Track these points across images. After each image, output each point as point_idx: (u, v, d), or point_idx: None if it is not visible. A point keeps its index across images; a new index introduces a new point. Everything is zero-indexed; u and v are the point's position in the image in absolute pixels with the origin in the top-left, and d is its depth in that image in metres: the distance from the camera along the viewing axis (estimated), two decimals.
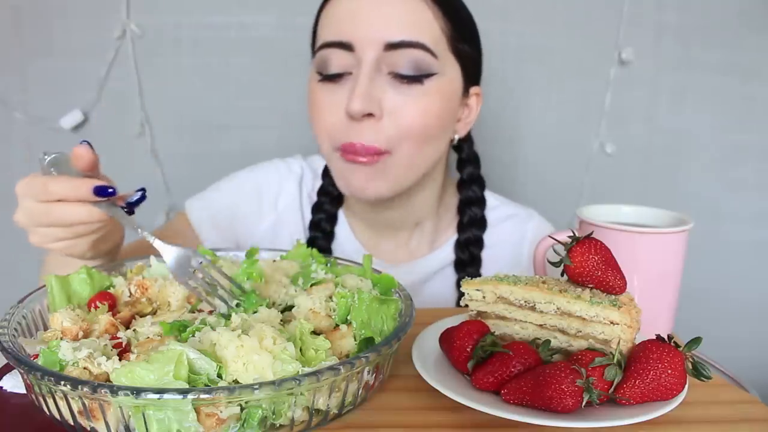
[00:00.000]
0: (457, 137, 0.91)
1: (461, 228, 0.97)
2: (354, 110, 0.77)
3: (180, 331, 0.53)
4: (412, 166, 0.84)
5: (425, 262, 0.98)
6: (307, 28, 0.88)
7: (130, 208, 0.64)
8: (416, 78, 0.79)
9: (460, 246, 0.97)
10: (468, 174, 0.97)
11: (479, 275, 0.95)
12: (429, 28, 0.79)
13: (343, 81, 0.81)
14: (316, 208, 0.99)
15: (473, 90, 0.89)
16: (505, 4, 1.27)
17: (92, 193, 0.61)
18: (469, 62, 0.86)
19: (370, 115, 0.79)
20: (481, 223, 0.97)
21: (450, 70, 0.83)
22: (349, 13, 0.79)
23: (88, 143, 0.64)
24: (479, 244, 0.97)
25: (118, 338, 0.53)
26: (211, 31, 1.27)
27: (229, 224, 0.98)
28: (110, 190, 0.61)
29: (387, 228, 0.97)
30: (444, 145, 0.88)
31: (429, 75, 0.80)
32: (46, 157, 0.63)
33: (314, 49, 0.85)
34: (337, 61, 0.80)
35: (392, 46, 0.78)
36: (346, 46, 0.79)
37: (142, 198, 0.65)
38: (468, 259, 0.96)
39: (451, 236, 0.99)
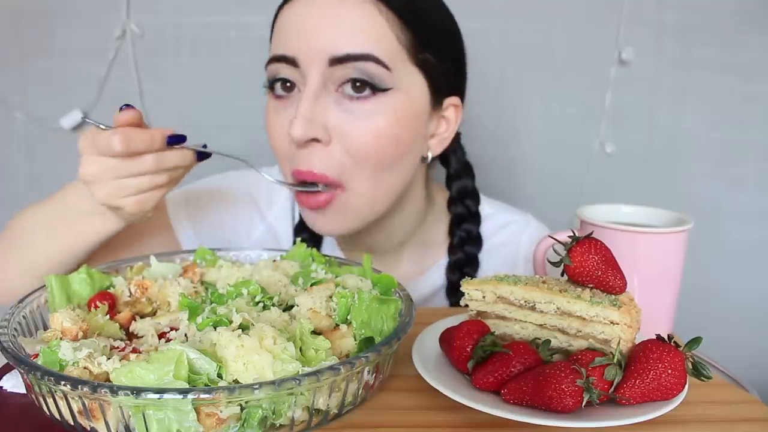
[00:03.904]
0: (430, 155, 0.81)
1: (452, 250, 0.89)
2: (295, 136, 0.70)
3: (193, 311, 0.54)
4: (373, 200, 0.76)
5: (418, 284, 0.91)
6: None
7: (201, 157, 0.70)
8: (365, 95, 0.71)
9: (451, 269, 0.88)
10: (458, 190, 0.88)
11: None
12: (381, 37, 0.71)
13: (291, 99, 0.74)
14: (299, 228, 0.91)
15: (449, 101, 0.79)
16: (505, 4, 1.26)
17: (166, 142, 0.66)
18: (436, 72, 0.76)
19: (315, 140, 0.72)
20: (476, 241, 0.89)
21: (410, 84, 0.74)
22: (295, 24, 0.72)
23: (128, 105, 0.67)
24: (474, 264, 0.89)
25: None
26: (211, 31, 1.27)
27: (211, 229, 0.91)
28: (182, 135, 0.67)
29: (370, 252, 0.87)
30: (410, 168, 0.78)
31: (381, 90, 0.71)
32: (90, 121, 0.68)
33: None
34: (283, 76, 0.74)
35: (338, 61, 0.70)
36: (290, 61, 0.72)
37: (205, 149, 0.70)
38: (458, 281, 0.89)
39: (443, 256, 0.91)
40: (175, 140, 0.66)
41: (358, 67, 0.70)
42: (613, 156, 1.34)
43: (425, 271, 0.92)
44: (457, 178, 0.89)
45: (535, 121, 1.34)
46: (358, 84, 0.71)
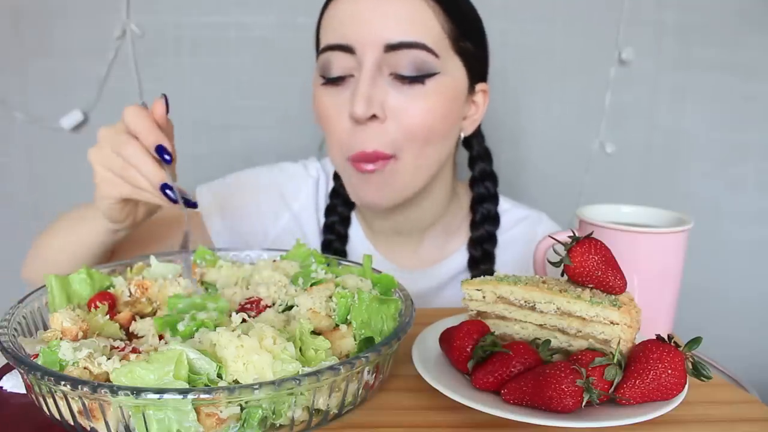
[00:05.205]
0: (463, 135, 0.90)
1: (474, 226, 0.96)
2: (357, 114, 0.77)
3: (172, 326, 0.53)
4: (418, 169, 0.83)
5: (438, 269, 0.97)
6: (307, 28, 0.88)
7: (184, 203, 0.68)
8: (417, 78, 0.79)
9: (473, 243, 0.96)
10: (480, 171, 0.97)
11: (493, 273, 0.95)
12: (429, 27, 0.79)
13: (345, 84, 0.81)
14: (329, 211, 0.98)
15: (479, 87, 0.89)
16: (506, 4, 1.27)
17: (153, 147, 0.66)
18: (472, 60, 0.85)
19: (374, 117, 0.79)
20: (495, 220, 0.97)
21: (453, 69, 0.82)
22: (349, 15, 0.80)
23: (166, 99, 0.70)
24: (492, 240, 0.96)
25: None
26: (211, 31, 1.27)
27: (240, 219, 0.98)
28: (166, 156, 0.66)
29: (396, 234, 0.96)
30: (450, 145, 0.87)
31: (430, 75, 0.79)
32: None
33: (317, 52, 0.85)
34: (338, 63, 0.80)
35: (392, 47, 0.78)
36: (346, 49, 0.79)
37: (195, 204, 0.69)
38: (481, 256, 0.95)
39: (463, 243, 0.98)
40: (160, 150, 0.66)
41: (410, 54, 0.78)
42: (613, 156, 1.34)
43: (446, 257, 0.98)
44: (480, 160, 0.97)
45: (535, 121, 1.34)
46: (410, 69, 0.78)
